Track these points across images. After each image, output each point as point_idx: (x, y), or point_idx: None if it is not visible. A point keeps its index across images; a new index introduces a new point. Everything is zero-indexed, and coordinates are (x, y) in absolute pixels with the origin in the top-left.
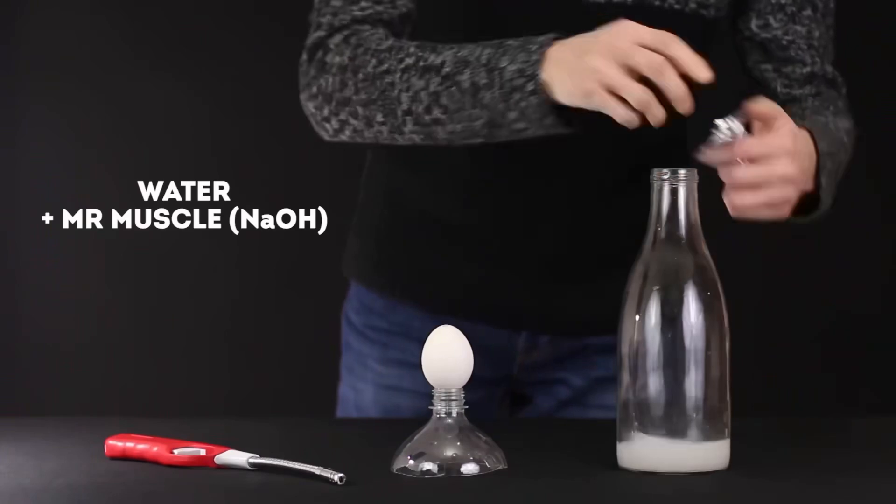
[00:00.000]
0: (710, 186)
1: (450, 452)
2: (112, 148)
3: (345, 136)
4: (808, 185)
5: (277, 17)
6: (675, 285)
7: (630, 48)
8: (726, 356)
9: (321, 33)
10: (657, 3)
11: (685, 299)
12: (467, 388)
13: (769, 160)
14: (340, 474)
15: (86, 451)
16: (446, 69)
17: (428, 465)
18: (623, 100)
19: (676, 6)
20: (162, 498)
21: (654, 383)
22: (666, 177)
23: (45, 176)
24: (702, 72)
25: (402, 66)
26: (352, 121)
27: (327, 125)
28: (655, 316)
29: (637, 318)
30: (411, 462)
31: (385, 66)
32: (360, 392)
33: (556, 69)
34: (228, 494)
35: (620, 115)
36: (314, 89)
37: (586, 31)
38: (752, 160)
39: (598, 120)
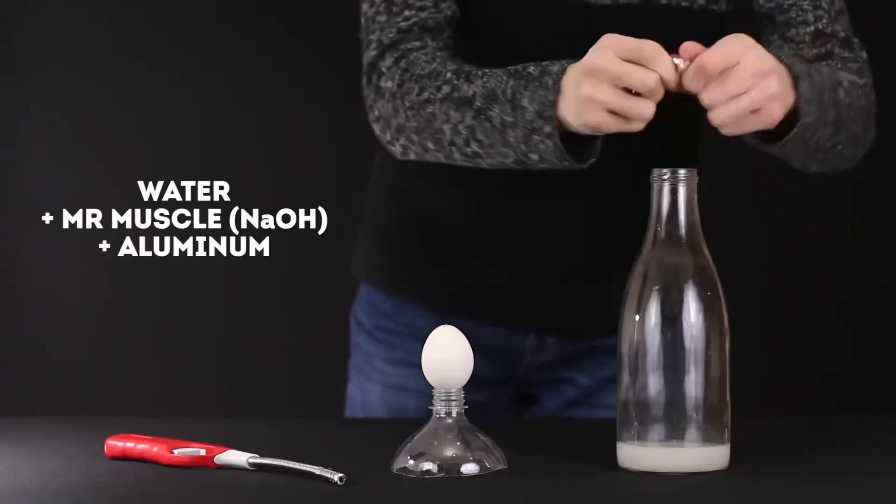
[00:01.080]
0: (710, 186)
1: (450, 452)
2: (112, 148)
3: (412, 157)
4: (790, 99)
5: (278, 18)
6: (675, 285)
7: (618, 68)
8: (726, 356)
9: (373, 53)
10: (663, 1)
11: (685, 299)
12: (474, 388)
13: (729, 62)
14: (340, 474)
15: (86, 451)
16: (477, 103)
17: (428, 465)
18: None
19: (684, 3)
20: (162, 498)
21: (654, 383)
22: (666, 177)
23: (45, 176)
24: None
25: (440, 95)
26: (410, 146)
27: (392, 148)
28: (655, 316)
29: (637, 318)
30: (411, 462)
31: (426, 95)
32: (367, 392)
33: (566, 107)
34: (228, 494)
35: (628, 129)
36: (375, 113)
37: (595, 33)
38: (716, 71)
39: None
